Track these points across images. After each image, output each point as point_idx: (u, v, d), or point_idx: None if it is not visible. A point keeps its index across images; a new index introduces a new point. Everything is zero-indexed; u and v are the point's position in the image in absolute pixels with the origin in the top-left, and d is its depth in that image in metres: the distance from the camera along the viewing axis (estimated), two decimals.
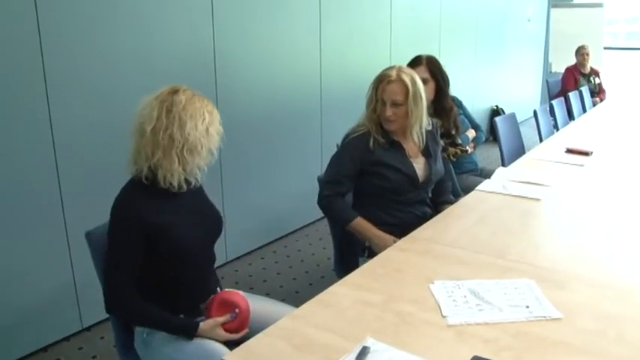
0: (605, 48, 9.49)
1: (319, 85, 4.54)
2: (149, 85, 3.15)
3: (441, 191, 2.79)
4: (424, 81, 3.06)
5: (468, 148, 3.61)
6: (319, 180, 2.61)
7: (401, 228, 2.43)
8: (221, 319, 1.87)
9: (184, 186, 1.85)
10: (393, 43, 5.42)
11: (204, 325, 1.85)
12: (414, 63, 3.17)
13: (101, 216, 1.99)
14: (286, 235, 4.47)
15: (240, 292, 2.01)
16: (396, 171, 2.48)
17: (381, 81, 2.44)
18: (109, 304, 1.83)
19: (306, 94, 4.45)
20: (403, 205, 2.53)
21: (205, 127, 1.81)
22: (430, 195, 2.68)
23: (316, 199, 2.54)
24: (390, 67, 2.47)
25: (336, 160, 2.52)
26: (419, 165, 2.56)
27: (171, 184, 1.81)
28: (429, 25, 6.21)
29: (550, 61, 9.71)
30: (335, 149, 2.61)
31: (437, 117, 3.07)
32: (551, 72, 9.53)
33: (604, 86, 7.47)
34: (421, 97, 2.45)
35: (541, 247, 2.20)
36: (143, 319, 1.87)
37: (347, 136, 2.53)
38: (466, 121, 3.74)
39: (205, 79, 3.55)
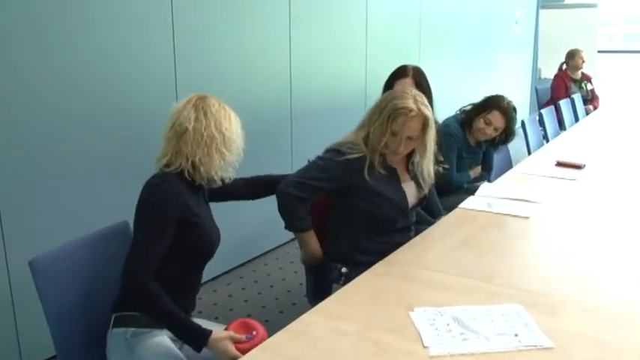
0: (599, 51, 9.63)
1: (289, 96, 4.55)
2: (103, 103, 3.19)
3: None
4: None
5: (464, 185, 3.69)
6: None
7: (382, 257, 2.45)
8: (236, 336, 1.92)
9: (219, 182, 2.11)
10: (369, 49, 5.47)
11: (217, 333, 1.91)
12: (400, 74, 3.19)
13: (45, 245, 1.97)
14: (254, 259, 4.46)
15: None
16: (388, 200, 2.47)
17: (400, 114, 2.36)
18: (128, 277, 1.92)
19: (275, 106, 4.45)
20: (389, 232, 2.53)
21: (236, 127, 2.10)
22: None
23: None
24: (404, 95, 2.41)
25: (318, 169, 2.48)
26: (410, 190, 2.56)
27: (212, 179, 2.07)
28: (407, 30, 6.28)
29: (539, 66, 9.85)
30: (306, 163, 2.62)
31: None
32: (540, 78, 9.66)
33: (597, 92, 7.59)
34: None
35: (530, 269, 2.23)
36: (155, 305, 1.92)
37: (340, 152, 2.45)
38: (480, 157, 3.79)
39: (166, 93, 3.52)
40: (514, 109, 3.60)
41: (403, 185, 2.53)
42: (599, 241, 2.55)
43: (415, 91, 2.46)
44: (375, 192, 2.45)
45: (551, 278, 2.15)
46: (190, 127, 2.01)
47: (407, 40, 6.27)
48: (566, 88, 7.25)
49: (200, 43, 3.75)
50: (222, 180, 2.12)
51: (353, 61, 5.30)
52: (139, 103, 3.41)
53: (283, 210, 2.52)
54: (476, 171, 3.79)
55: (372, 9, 5.45)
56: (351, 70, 5.24)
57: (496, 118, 3.55)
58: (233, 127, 2.09)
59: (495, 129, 3.58)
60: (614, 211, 3.00)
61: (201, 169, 2.03)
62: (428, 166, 2.53)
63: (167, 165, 2.04)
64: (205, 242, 2.12)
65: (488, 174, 3.89)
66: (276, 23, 4.37)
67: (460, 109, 3.74)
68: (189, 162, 2.02)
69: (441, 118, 3.55)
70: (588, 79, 7.50)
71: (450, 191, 3.57)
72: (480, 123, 3.58)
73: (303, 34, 4.59)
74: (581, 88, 7.38)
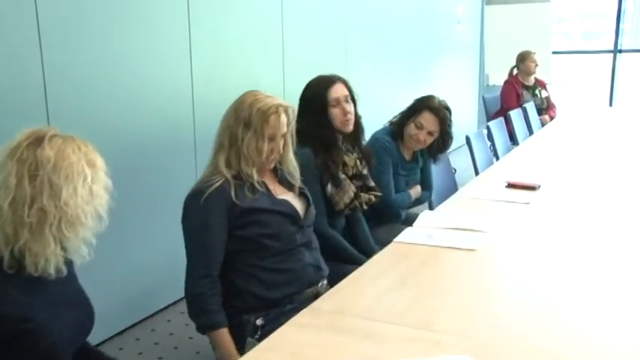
0: (554, 52, 9.92)
1: (191, 114, 4.52)
2: None
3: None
4: (349, 99, 3.18)
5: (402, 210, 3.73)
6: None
7: (296, 286, 2.57)
8: None
9: (64, 270, 1.81)
10: (287, 60, 5.49)
11: None
12: (330, 82, 3.22)
13: None
14: (153, 315, 4.38)
15: None
16: (274, 213, 2.58)
17: (271, 114, 2.54)
18: None
19: (173, 128, 4.40)
20: (291, 252, 2.61)
21: (88, 188, 1.78)
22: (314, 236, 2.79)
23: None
24: (259, 98, 2.60)
25: (198, 229, 2.53)
26: (291, 200, 2.68)
27: (45, 271, 1.75)
28: (332, 37, 6.36)
29: (487, 72, 10.09)
30: None
31: (352, 153, 3.18)
32: (488, 85, 9.89)
33: (553, 100, 7.81)
34: None
35: (478, 311, 2.27)
36: None
37: (197, 193, 2.53)
38: (418, 174, 3.86)
39: (34, 117, 3.44)
40: (447, 109, 3.73)
41: (281, 197, 2.66)
42: (558, 275, 2.60)
43: (261, 91, 2.65)
44: (255, 210, 2.54)
45: (503, 321, 2.18)
46: (6, 203, 1.69)
47: (331, 50, 6.34)
48: (517, 96, 7.44)
49: (75, 51, 3.66)
50: (69, 264, 1.87)
51: (268, 68, 5.32)
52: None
53: (193, 311, 2.53)
54: (416, 191, 3.87)
55: (288, 16, 5.48)
56: (266, 82, 5.25)
57: (427, 120, 3.66)
58: (80, 193, 1.76)
59: (429, 133, 3.68)
60: (574, 239, 3.07)
61: (27, 259, 1.72)
62: (291, 160, 2.72)
63: None
64: (46, 355, 1.81)
65: (429, 193, 3.99)
66: (173, 23, 4.33)
67: (389, 121, 3.84)
68: (10, 249, 1.71)
69: (370, 133, 3.61)
70: (543, 86, 7.72)
71: (384, 219, 3.61)
72: (411, 129, 3.69)
73: (206, 37, 4.58)
74: (534, 95, 7.59)
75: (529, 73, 7.58)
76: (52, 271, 1.76)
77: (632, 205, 3.61)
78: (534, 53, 7.56)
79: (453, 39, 9.38)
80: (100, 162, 1.85)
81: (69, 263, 1.86)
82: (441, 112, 3.67)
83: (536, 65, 7.57)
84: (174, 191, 4.15)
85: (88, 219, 1.79)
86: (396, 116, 3.83)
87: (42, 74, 3.50)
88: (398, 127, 3.76)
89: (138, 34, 4.08)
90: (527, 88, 7.59)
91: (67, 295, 1.94)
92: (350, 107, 3.16)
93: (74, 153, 1.77)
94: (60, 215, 1.72)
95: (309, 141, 3.08)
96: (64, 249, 1.78)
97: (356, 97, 3.26)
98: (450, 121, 3.74)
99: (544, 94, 7.70)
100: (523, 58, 7.55)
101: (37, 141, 1.74)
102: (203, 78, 4.59)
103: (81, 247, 1.83)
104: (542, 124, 7.28)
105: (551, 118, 7.58)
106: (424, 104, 3.71)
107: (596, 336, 2.08)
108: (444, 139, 3.77)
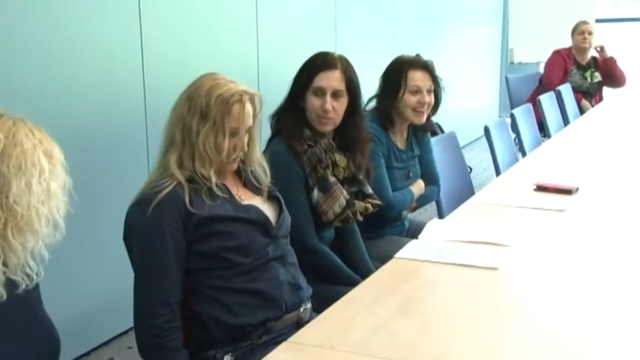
0: (597, 20, 9.90)
1: (142, 101, 4.52)
2: None
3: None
4: (339, 94, 3.17)
5: (404, 212, 3.72)
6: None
7: (271, 310, 2.58)
8: None
9: (3, 293, 1.72)
10: (262, 33, 5.49)
11: None
12: (325, 65, 3.20)
13: None
14: (94, 350, 4.39)
15: None
16: (240, 221, 2.59)
17: (234, 103, 2.54)
18: None
19: (119, 116, 4.38)
20: (261, 269, 2.60)
21: (45, 183, 1.72)
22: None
23: None
24: (220, 83, 2.59)
25: (147, 248, 2.52)
26: (260, 205, 2.71)
27: None
28: (318, 5, 6.38)
29: (511, 46, 10.04)
30: None
31: (345, 152, 3.20)
32: (512, 63, 9.84)
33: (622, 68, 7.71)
34: None
35: (499, 346, 2.27)
36: None
37: (143, 201, 2.53)
38: (417, 165, 3.87)
39: None
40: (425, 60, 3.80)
41: (248, 202, 2.68)
42: (599, 300, 2.60)
43: (222, 74, 2.66)
44: (216, 219, 2.55)
45: (531, 357, 2.18)
46: None
47: (318, 19, 6.34)
48: (565, 72, 7.38)
49: (15, 42, 3.69)
50: (15, 286, 1.75)
51: (238, 44, 5.33)
52: None
53: (150, 340, 2.50)
54: (419, 186, 3.86)
55: None
56: (235, 56, 5.24)
57: (418, 78, 3.72)
58: (35, 190, 1.71)
59: (429, 92, 3.72)
60: (619, 255, 3.06)
61: None
62: (258, 159, 2.76)
63: None
64: None
65: (436, 188, 3.98)
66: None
67: (369, 108, 3.78)
68: None
69: None
70: (600, 65, 7.61)
71: (380, 225, 3.60)
72: (408, 100, 3.70)
73: (160, 3, 4.58)
74: (585, 78, 7.51)
75: (578, 49, 7.53)
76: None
77: None
78: (585, 23, 7.52)
79: (468, 4, 9.35)
80: (57, 153, 1.80)
81: (11, 285, 1.75)
82: (424, 63, 3.77)
83: (585, 38, 7.50)
84: (120, 196, 4.18)
85: (42, 224, 1.73)
86: (371, 98, 3.82)
87: None
88: (385, 110, 3.76)
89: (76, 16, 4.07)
90: (579, 67, 7.57)
91: (18, 317, 1.88)
92: (332, 105, 3.13)
93: (28, 138, 1.73)
94: (6, 216, 1.66)
95: (280, 126, 3.19)
96: (5, 264, 1.70)
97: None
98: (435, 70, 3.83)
99: (596, 77, 7.64)
100: (572, 31, 7.52)
101: None
102: (156, 55, 4.59)
103: (28, 262, 1.75)
104: (582, 111, 7.24)
105: (618, 79, 7.59)
106: (402, 66, 3.77)
107: None
108: (435, 97, 3.83)
